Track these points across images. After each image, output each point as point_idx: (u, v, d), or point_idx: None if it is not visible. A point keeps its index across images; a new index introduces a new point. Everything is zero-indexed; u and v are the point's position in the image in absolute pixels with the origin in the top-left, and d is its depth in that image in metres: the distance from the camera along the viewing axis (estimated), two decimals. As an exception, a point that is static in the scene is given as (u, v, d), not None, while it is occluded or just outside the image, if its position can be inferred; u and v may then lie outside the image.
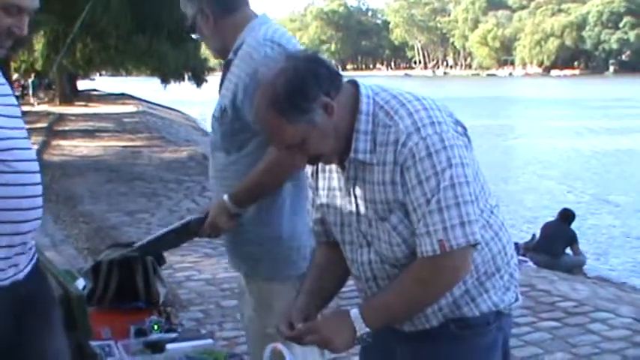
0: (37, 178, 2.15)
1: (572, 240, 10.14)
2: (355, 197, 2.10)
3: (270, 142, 2.08)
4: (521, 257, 8.72)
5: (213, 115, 2.81)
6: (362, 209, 2.09)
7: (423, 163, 1.94)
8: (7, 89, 2.17)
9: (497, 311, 2.17)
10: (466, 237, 1.95)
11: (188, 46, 21.95)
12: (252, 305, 2.86)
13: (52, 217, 9.07)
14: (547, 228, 10.26)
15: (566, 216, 10.31)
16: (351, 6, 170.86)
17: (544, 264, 8.81)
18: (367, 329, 2.03)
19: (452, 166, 1.94)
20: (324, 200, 2.22)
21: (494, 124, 31.64)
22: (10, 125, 2.08)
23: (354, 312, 2.06)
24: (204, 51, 33.08)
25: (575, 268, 9.72)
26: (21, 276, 2.11)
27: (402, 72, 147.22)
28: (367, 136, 2.00)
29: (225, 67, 2.79)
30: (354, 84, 2.06)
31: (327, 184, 2.20)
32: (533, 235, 10.50)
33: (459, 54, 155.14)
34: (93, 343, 2.79)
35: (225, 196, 2.73)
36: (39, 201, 2.15)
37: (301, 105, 1.93)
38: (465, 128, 2.09)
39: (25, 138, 2.15)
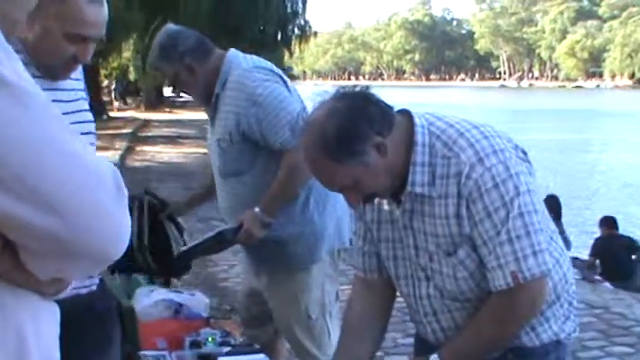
0: None
1: (634, 248, 9.04)
2: (413, 231, 2.03)
3: (321, 183, 2.05)
4: (597, 277, 8.43)
5: (219, 144, 3.09)
6: (421, 243, 2.02)
7: (490, 194, 1.87)
8: (81, 104, 2.21)
9: (557, 341, 2.10)
10: (539, 267, 1.89)
11: (269, 54, 22.18)
12: (284, 299, 3.21)
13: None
14: (598, 248, 9.11)
15: (609, 225, 9.30)
16: (436, 16, 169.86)
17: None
18: None
19: (519, 194, 1.88)
20: (375, 233, 2.15)
21: (580, 137, 30.91)
22: None
23: (434, 357, 2.03)
24: (287, 60, 33.52)
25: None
26: (83, 290, 2.14)
27: (489, 83, 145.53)
28: (424, 167, 1.93)
29: (215, 102, 3.06)
30: (407, 114, 1.99)
31: (377, 216, 2.13)
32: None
33: (545, 65, 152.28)
34: (148, 353, 2.83)
35: (257, 208, 3.00)
36: None
37: (353, 148, 1.88)
38: (525, 153, 2.02)
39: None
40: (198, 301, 3.46)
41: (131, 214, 3.28)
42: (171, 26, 3.13)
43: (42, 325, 1.15)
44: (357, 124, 1.88)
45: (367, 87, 1.99)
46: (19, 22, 1.20)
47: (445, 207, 1.94)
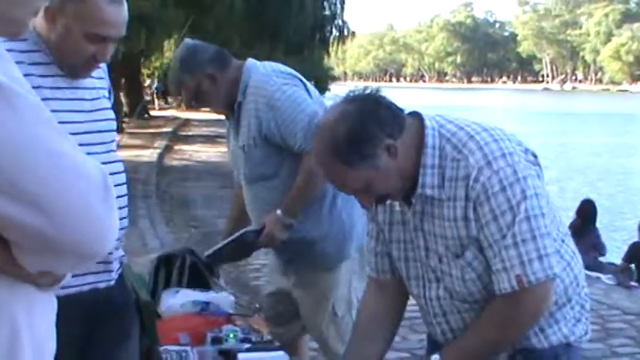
0: (120, 190, 2.22)
1: None
2: (423, 232, 2.05)
3: (333, 186, 2.09)
4: (633, 283, 8.31)
5: (244, 150, 3.14)
6: (431, 245, 2.04)
7: (496, 197, 1.89)
8: (103, 103, 2.27)
9: (566, 343, 2.11)
10: (545, 271, 1.90)
11: (308, 56, 22.20)
12: (313, 298, 3.28)
13: (165, 220, 9.38)
14: (633, 253, 8.71)
15: None
16: (479, 18, 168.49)
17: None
18: None
19: (526, 198, 1.89)
20: (387, 234, 2.18)
21: (622, 141, 30.46)
22: (94, 141, 2.16)
23: (435, 357, 2.06)
24: (328, 61, 33.43)
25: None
26: (102, 285, 2.20)
27: (531, 86, 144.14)
28: (434, 170, 1.95)
29: (238, 110, 3.12)
30: (418, 117, 2.01)
31: (389, 217, 2.15)
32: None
33: (589, 68, 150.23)
34: (170, 348, 2.88)
35: (279, 211, 3.07)
36: (122, 212, 2.22)
37: (363, 151, 1.90)
38: (535, 156, 2.03)
39: (108, 152, 2.23)
40: (224, 298, 3.50)
41: (172, 272, 3.42)
42: (188, 41, 3.22)
43: (36, 317, 1.19)
44: (368, 127, 1.90)
45: (378, 89, 2.01)
46: (20, 21, 1.23)
47: (453, 209, 1.95)
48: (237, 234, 3.20)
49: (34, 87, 1.46)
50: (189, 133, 24.29)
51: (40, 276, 1.17)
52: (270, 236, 3.10)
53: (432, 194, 1.97)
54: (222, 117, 3.44)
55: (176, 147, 19.40)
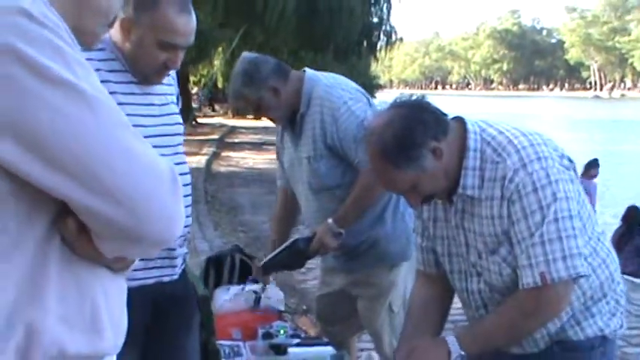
0: (185, 190, 2.36)
1: None
2: (464, 230, 2.18)
3: (383, 187, 2.22)
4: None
5: (309, 162, 3.17)
6: (471, 241, 2.17)
7: (528, 197, 2.01)
8: (172, 108, 2.42)
9: (602, 336, 2.21)
10: (568, 270, 2.01)
11: (355, 63, 22.21)
12: (371, 294, 3.35)
13: (213, 225, 9.55)
14: None
15: None
16: (526, 25, 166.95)
17: None
18: (462, 352, 2.12)
19: (556, 200, 2.01)
20: (431, 231, 2.31)
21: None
22: (163, 144, 2.29)
23: (451, 337, 2.16)
24: (375, 69, 33.36)
25: None
26: (166, 279, 2.36)
27: (579, 93, 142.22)
28: (475, 171, 2.08)
29: (300, 121, 3.15)
30: (461, 121, 2.14)
31: (433, 214, 2.28)
32: None
33: (638, 75, 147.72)
34: (224, 343, 3.03)
35: (330, 220, 3.14)
36: (186, 211, 2.35)
37: (410, 154, 2.02)
38: (571, 161, 2.15)
39: (174, 154, 2.37)
40: (273, 294, 3.64)
41: (222, 272, 3.54)
42: (248, 54, 3.23)
43: (111, 295, 1.37)
44: (414, 131, 2.03)
45: (424, 96, 2.14)
46: (93, 32, 1.41)
47: (490, 208, 2.08)
48: (288, 242, 3.29)
49: (110, 92, 1.62)
50: (236, 140, 24.53)
51: (115, 261, 1.32)
52: (321, 244, 3.16)
53: (472, 194, 2.10)
54: (269, 124, 3.50)
55: (223, 154, 19.62)
